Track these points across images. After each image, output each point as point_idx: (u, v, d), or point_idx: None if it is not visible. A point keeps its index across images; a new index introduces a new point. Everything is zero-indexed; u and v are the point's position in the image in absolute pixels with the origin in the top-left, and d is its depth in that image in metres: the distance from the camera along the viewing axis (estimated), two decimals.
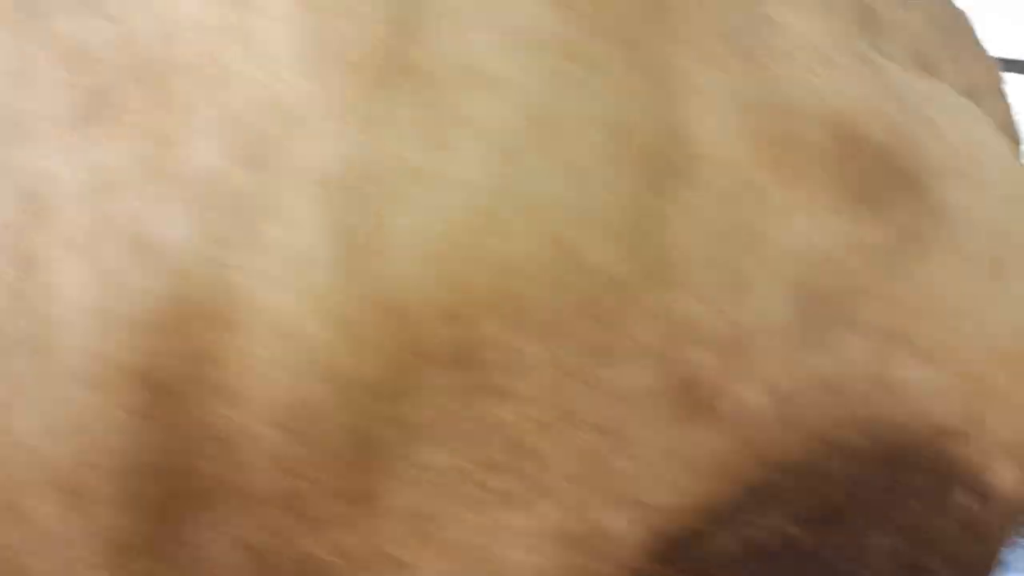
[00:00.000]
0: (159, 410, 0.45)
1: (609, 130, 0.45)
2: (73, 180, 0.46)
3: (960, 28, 0.54)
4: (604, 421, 0.46)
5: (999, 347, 0.48)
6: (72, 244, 0.45)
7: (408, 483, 0.46)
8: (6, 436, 0.45)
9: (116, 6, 0.48)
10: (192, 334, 0.45)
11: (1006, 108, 0.55)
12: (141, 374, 0.45)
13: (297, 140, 0.45)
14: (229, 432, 0.45)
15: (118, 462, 0.46)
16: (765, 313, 0.46)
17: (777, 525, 0.48)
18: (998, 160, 0.49)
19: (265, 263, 0.45)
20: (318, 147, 0.45)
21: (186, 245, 0.45)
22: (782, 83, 0.47)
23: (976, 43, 0.55)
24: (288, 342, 0.45)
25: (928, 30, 0.53)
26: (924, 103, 0.49)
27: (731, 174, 0.46)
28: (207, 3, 0.46)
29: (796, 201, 0.46)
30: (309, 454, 0.46)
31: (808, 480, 0.48)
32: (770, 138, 0.46)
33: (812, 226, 0.46)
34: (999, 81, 0.55)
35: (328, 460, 0.46)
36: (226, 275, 0.45)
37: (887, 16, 0.52)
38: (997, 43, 1.14)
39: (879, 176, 0.47)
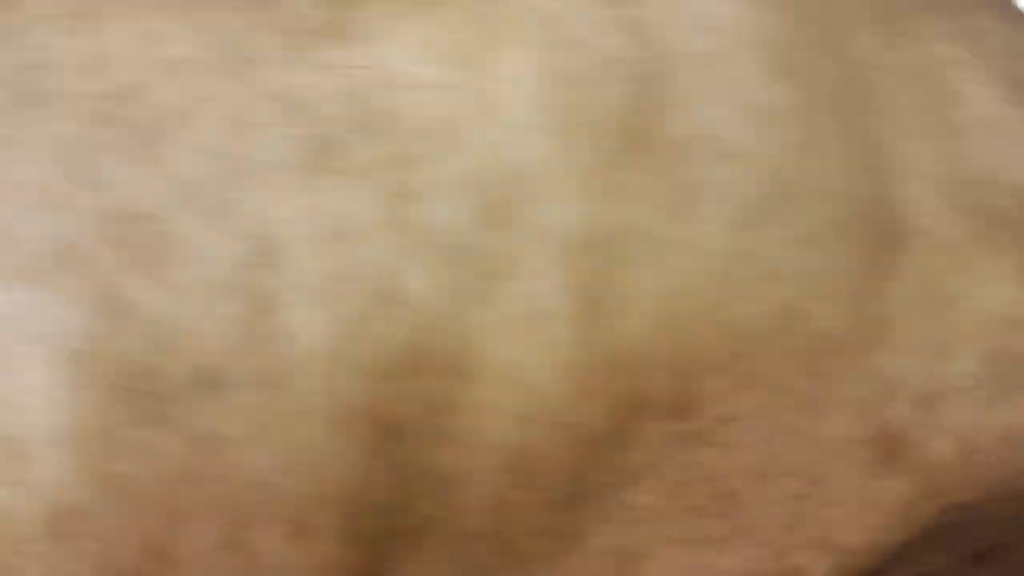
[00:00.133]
0: (387, 450, 0.47)
1: (836, 200, 0.47)
2: (304, 226, 0.46)
3: None
4: (808, 469, 0.48)
5: None
6: (308, 288, 0.46)
7: (614, 522, 0.48)
8: (237, 471, 0.46)
9: (327, 57, 0.48)
10: (426, 381, 0.46)
11: None
12: (374, 416, 0.46)
13: (539, 202, 0.46)
14: (450, 474, 0.47)
15: (344, 498, 0.47)
16: (960, 373, 0.49)
17: (944, 562, 0.51)
18: None
19: (503, 317, 0.46)
20: (560, 210, 0.46)
21: (427, 296, 0.46)
22: (978, 155, 0.50)
23: None
24: (519, 392, 0.46)
25: None
26: None
27: (939, 244, 0.48)
28: (437, 63, 0.47)
29: (996, 271, 0.49)
30: (525, 496, 0.48)
31: (977, 521, 0.51)
32: (973, 209, 0.49)
33: (1009, 294, 0.49)
34: None
35: (542, 501, 0.48)
36: (464, 327, 0.46)
37: None
38: None
39: None
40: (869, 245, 0.47)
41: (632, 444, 0.47)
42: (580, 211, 0.46)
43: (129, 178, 0.47)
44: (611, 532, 0.48)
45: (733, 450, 0.48)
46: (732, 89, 0.47)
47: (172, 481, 0.46)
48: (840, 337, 0.47)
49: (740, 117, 0.47)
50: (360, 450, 0.47)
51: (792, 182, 0.47)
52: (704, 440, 0.48)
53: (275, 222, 0.46)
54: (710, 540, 0.49)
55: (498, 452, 0.47)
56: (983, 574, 0.52)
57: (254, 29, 0.49)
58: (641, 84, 0.47)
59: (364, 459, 0.47)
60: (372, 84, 0.47)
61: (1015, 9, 0.56)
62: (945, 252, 0.48)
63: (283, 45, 0.49)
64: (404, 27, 0.48)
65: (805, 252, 0.47)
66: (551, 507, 0.48)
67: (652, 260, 0.46)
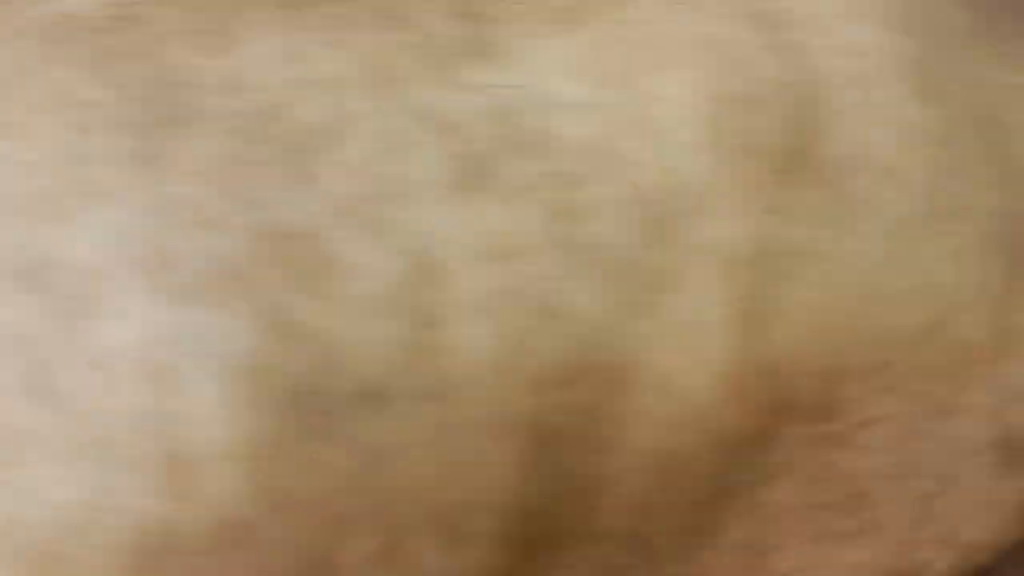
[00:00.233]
0: (543, 458, 0.48)
1: (982, 216, 0.49)
2: (462, 243, 0.47)
3: None
4: (937, 470, 0.51)
5: None
6: (470, 304, 0.47)
7: (747, 519, 0.50)
8: (398, 482, 0.47)
9: (471, 76, 0.48)
10: (584, 392, 0.47)
11: None
12: (534, 426, 0.47)
13: (702, 220, 0.47)
14: (599, 479, 0.48)
15: (500, 505, 0.48)
16: None
17: None
18: None
19: (663, 329, 0.47)
20: (721, 227, 0.47)
21: (589, 311, 0.47)
22: None
23: None
24: (674, 400, 0.48)
25: None
26: None
27: None
28: (587, 83, 0.48)
29: None
30: (666, 497, 0.49)
31: None
32: None
33: None
34: None
35: (682, 501, 0.49)
36: (625, 340, 0.47)
37: None
38: None
39: None
40: (1010, 259, 0.49)
41: (772, 445, 0.49)
42: (741, 227, 0.47)
43: (282, 196, 0.47)
44: (744, 528, 0.50)
45: (869, 452, 0.49)
46: (882, 110, 0.48)
47: (336, 493, 0.47)
48: (979, 346, 0.49)
49: (892, 137, 0.48)
50: (518, 458, 0.48)
51: (942, 199, 0.48)
52: (842, 442, 0.49)
53: (432, 239, 0.47)
54: (838, 536, 0.51)
55: (647, 456, 0.48)
56: None
57: (394, 47, 0.49)
58: (799, 106, 0.48)
59: (521, 467, 0.48)
60: (522, 103, 0.48)
61: None
62: None
63: (425, 64, 0.49)
64: (547, 47, 0.49)
65: (953, 266, 0.48)
66: (690, 506, 0.50)
67: (809, 273, 0.47)
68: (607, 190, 0.47)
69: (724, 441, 0.48)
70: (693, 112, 0.47)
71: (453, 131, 0.47)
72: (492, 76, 0.48)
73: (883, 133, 0.48)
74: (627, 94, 0.47)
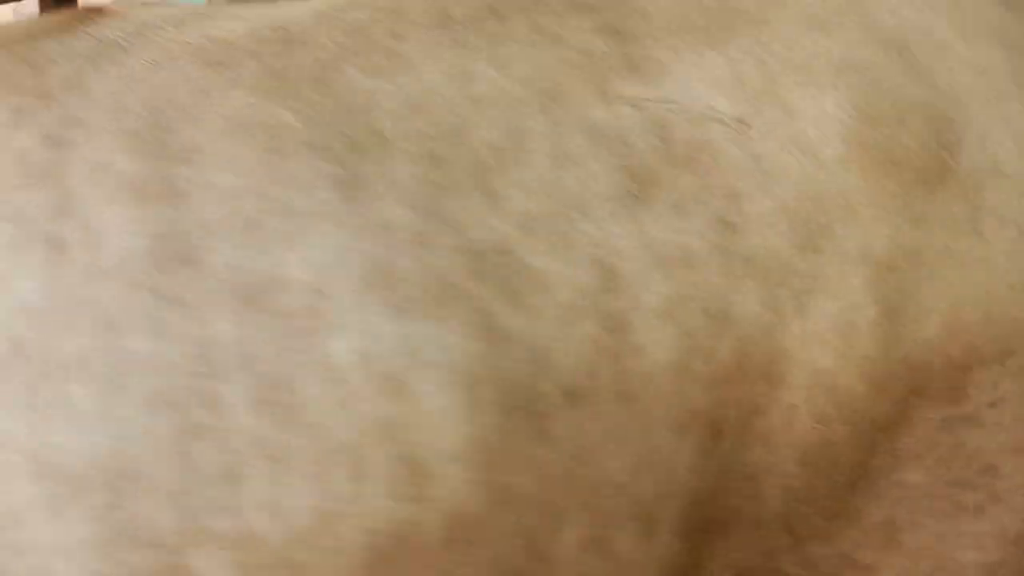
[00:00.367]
0: (712, 450, 0.53)
1: None
2: (639, 253, 0.53)
3: None
4: None
5: None
6: (652, 309, 0.52)
7: (885, 499, 0.56)
8: (602, 475, 0.52)
9: (625, 91, 0.55)
10: (747, 388, 0.53)
11: None
12: (708, 421, 0.53)
13: (848, 228, 0.54)
14: (757, 469, 0.54)
15: (683, 494, 0.53)
16: None
17: None
18: None
19: (815, 329, 0.53)
20: (867, 234, 0.54)
21: (750, 314, 0.53)
22: None
23: None
24: (824, 393, 0.54)
25: None
26: None
27: None
28: (734, 99, 0.54)
29: None
30: (815, 483, 0.55)
31: None
32: None
33: None
34: None
35: (829, 486, 0.55)
36: (781, 339, 0.53)
37: None
38: None
39: None
40: None
41: (907, 430, 0.55)
42: (886, 235, 0.54)
43: (475, 215, 0.52)
44: (881, 508, 0.56)
45: (996, 429, 0.56)
46: (1009, 124, 0.56)
47: (551, 488, 0.52)
48: None
49: (1017, 147, 0.56)
50: (695, 450, 0.53)
51: None
52: (971, 422, 0.56)
53: (610, 250, 0.52)
54: (967, 508, 0.56)
55: (797, 447, 0.54)
56: None
57: (552, 64, 0.55)
58: (935, 122, 0.55)
59: (698, 458, 0.53)
60: (676, 117, 0.54)
61: None
62: None
63: (583, 79, 0.55)
64: (693, 63, 0.55)
65: None
66: (834, 491, 0.55)
67: (946, 275, 0.54)
68: (764, 202, 0.53)
69: (868, 430, 0.54)
70: (839, 129, 0.54)
71: (615, 145, 0.53)
72: (646, 91, 0.54)
73: (1014, 146, 0.56)
74: (776, 111, 0.54)
